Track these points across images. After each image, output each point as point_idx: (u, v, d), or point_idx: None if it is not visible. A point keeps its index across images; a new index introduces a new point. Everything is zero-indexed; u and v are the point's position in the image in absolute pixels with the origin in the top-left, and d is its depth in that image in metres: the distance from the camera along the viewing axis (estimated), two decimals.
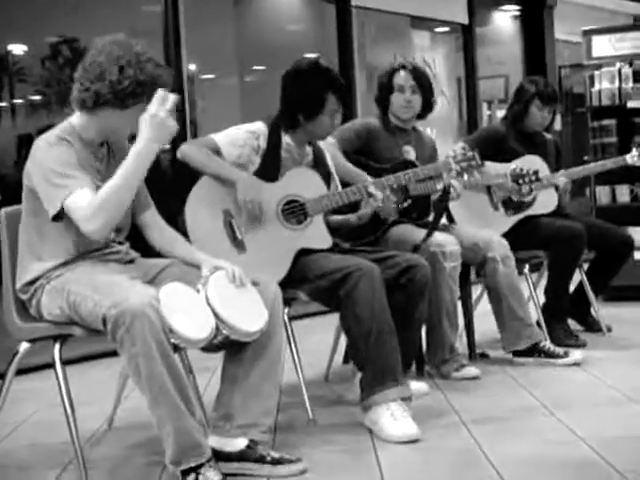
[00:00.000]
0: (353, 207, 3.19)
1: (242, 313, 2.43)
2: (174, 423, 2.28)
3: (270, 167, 3.05)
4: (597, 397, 3.18)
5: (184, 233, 2.85)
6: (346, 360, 3.66)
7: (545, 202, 4.15)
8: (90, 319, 2.35)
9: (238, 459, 2.48)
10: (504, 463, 2.46)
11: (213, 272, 2.49)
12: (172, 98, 2.34)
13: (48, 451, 2.87)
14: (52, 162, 2.40)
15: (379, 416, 2.79)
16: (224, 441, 2.49)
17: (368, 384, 2.83)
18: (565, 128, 7.85)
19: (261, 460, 2.48)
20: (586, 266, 4.37)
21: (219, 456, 2.43)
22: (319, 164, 3.22)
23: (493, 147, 4.04)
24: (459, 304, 3.70)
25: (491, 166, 3.88)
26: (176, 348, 2.35)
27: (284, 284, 2.79)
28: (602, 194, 5.66)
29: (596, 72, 5.68)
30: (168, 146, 5.33)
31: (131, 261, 2.63)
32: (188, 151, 3.02)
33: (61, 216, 2.41)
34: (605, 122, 5.62)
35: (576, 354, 3.70)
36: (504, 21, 8.08)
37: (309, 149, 3.21)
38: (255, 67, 7.64)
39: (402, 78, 3.68)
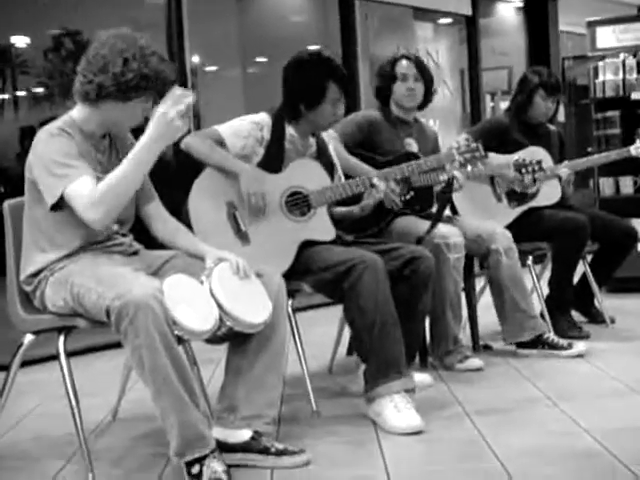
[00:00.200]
0: (356, 199, 3.19)
1: (246, 305, 2.43)
2: (178, 415, 2.28)
3: (274, 158, 3.05)
4: (600, 388, 3.18)
5: (188, 225, 2.85)
6: (350, 352, 3.67)
7: (549, 194, 4.15)
8: (94, 311, 2.36)
9: (242, 450, 2.49)
10: (508, 454, 2.46)
11: (217, 264, 2.49)
12: (188, 100, 2.32)
13: (53, 442, 2.88)
14: (53, 153, 2.40)
15: (383, 408, 2.79)
16: (228, 432, 2.50)
17: (372, 376, 2.84)
18: (569, 120, 7.83)
19: (265, 451, 2.48)
20: (590, 258, 4.36)
21: (223, 447, 2.44)
22: (322, 155, 3.21)
23: (497, 138, 4.04)
24: (463, 296, 3.70)
25: (494, 157, 3.87)
26: (180, 340, 2.35)
27: (288, 276, 2.80)
28: (606, 185, 5.66)
29: (600, 63, 5.67)
30: (174, 140, 5.33)
31: (135, 253, 2.63)
32: (192, 143, 3.02)
33: (60, 206, 2.41)
34: (609, 113, 5.61)
35: (580, 346, 3.70)
36: (508, 12, 8.06)
37: (312, 140, 3.21)
38: (258, 59, 7.63)
39: (405, 67, 3.69)
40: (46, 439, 2.94)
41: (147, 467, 2.55)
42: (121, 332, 2.27)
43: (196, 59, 6.50)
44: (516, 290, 3.69)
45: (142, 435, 2.88)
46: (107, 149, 2.58)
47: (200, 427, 2.31)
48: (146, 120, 2.38)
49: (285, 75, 3.12)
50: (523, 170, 3.86)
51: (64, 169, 2.37)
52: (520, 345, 3.74)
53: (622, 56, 5.61)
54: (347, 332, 3.42)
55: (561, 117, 6.07)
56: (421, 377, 3.21)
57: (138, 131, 2.48)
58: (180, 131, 2.35)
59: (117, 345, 2.44)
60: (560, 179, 4.17)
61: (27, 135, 6.46)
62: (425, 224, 3.46)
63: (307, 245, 3.00)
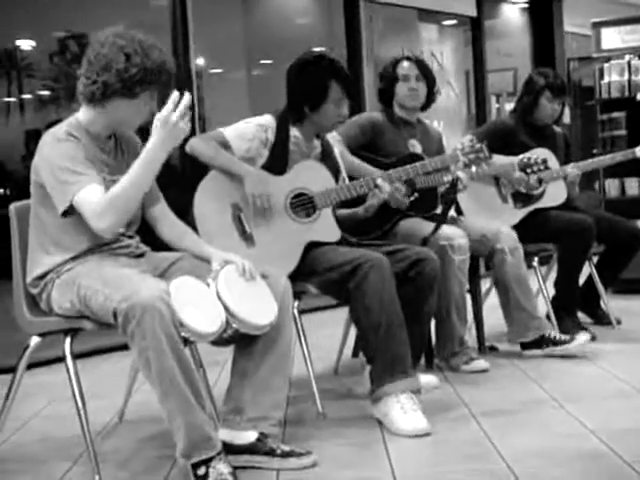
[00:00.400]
0: (360, 201, 3.19)
1: (252, 306, 2.43)
2: (184, 416, 2.28)
3: (278, 160, 3.05)
4: (606, 390, 3.18)
5: (193, 227, 2.85)
6: (355, 353, 3.67)
7: (554, 195, 4.15)
8: (101, 313, 2.36)
9: (248, 452, 2.49)
10: (514, 456, 2.46)
11: (223, 266, 2.49)
12: (186, 100, 2.34)
13: (59, 444, 2.88)
14: (60, 158, 2.40)
15: (389, 408, 2.79)
16: (234, 434, 2.50)
17: (378, 375, 2.84)
18: (574, 121, 7.82)
19: (271, 453, 2.48)
20: (595, 259, 4.36)
21: (229, 449, 2.44)
22: (327, 157, 3.22)
23: (502, 140, 4.03)
24: (468, 297, 3.70)
25: (499, 159, 3.87)
26: (186, 342, 2.35)
27: (293, 277, 2.79)
28: (611, 187, 5.65)
29: (605, 64, 5.67)
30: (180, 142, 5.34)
31: (141, 255, 2.63)
32: (197, 145, 3.02)
33: (70, 212, 2.42)
34: (614, 115, 5.61)
35: (581, 336, 3.69)
36: (513, 13, 8.05)
37: (317, 142, 3.21)
38: (263, 61, 7.64)
39: (406, 68, 3.70)
40: (52, 441, 2.94)
41: (153, 469, 2.55)
42: (128, 334, 2.27)
43: (201, 61, 6.51)
44: (520, 290, 3.69)
45: (148, 437, 2.89)
46: (113, 150, 2.58)
47: (206, 429, 2.32)
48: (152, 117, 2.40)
49: (288, 77, 3.13)
50: (528, 170, 3.86)
51: (73, 176, 2.38)
52: (525, 346, 3.74)
53: (627, 57, 5.60)
54: (353, 334, 3.43)
55: (566, 119, 6.07)
56: (427, 378, 3.21)
57: (143, 131, 2.49)
58: (183, 133, 2.36)
59: (123, 347, 2.45)
60: (566, 179, 4.17)
61: (33, 138, 6.47)
62: (430, 226, 3.46)
63: (312, 246, 3.01)
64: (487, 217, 3.93)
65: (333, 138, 3.37)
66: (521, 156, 3.91)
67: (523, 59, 7.80)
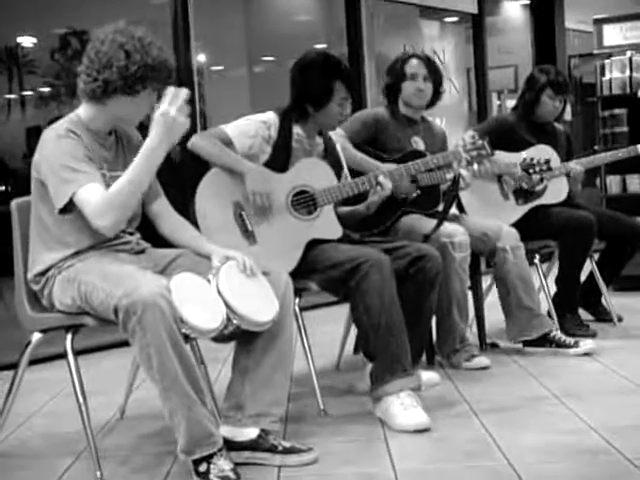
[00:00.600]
0: (362, 198, 3.19)
1: (253, 303, 2.43)
2: (186, 413, 2.28)
3: (280, 157, 3.05)
4: (608, 386, 3.18)
5: (194, 224, 2.85)
6: (356, 350, 3.67)
7: (556, 192, 4.14)
8: (101, 309, 2.37)
9: (249, 448, 2.49)
10: (515, 452, 2.46)
11: (224, 262, 2.49)
12: (183, 93, 2.34)
13: (61, 440, 2.89)
14: (61, 156, 2.41)
15: (390, 406, 2.79)
16: (235, 431, 2.51)
17: (379, 375, 2.84)
18: (575, 118, 7.81)
19: (272, 449, 2.49)
20: (597, 256, 4.35)
21: (231, 446, 2.44)
22: (330, 154, 3.22)
23: (503, 136, 4.03)
24: (469, 294, 3.70)
25: (501, 155, 3.87)
26: (187, 338, 2.36)
27: (295, 274, 2.80)
28: (613, 183, 5.65)
29: (607, 61, 5.66)
30: (179, 138, 5.33)
31: (142, 251, 2.63)
32: (199, 142, 3.02)
33: (69, 210, 2.42)
34: (616, 111, 5.60)
35: (587, 343, 3.69)
36: (514, 10, 8.04)
37: (320, 139, 3.21)
38: (264, 58, 7.64)
39: (415, 66, 3.69)
40: (54, 437, 2.95)
41: (154, 465, 2.56)
42: (129, 330, 2.28)
43: (202, 58, 6.51)
44: (523, 288, 3.68)
45: (150, 433, 2.89)
46: (114, 146, 2.59)
47: (208, 425, 2.32)
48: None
49: (292, 76, 3.13)
50: (531, 171, 3.86)
51: (73, 174, 2.38)
52: (527, 343, 3.74)
53: (629, 53, 5.59)
54: (354, 331, 3.43)
55: (568, 116, 6.05)
56: (428, 375, 3.21)
57: (143, 127, 2.49)
58: (183, 127, 2.36)
59: (124, 344, 2.45)
60: (569, 176, 4.16)
61: (34, 135, 6.47)
62: (431, 223, 3.46)
63: (314, 244, 3.01)
64: (489, 214, 3.93)
65: (336, 133, 3.37)
66: (524, 154, 3.90)
67: (524, 56, 7.79)
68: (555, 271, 4.20)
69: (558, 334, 3.73)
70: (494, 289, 3.89)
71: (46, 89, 7.13)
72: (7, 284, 2.89)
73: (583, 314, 4.25)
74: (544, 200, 4.12)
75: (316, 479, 2.38)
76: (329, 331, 3.99)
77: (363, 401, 3.02)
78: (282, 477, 2.41)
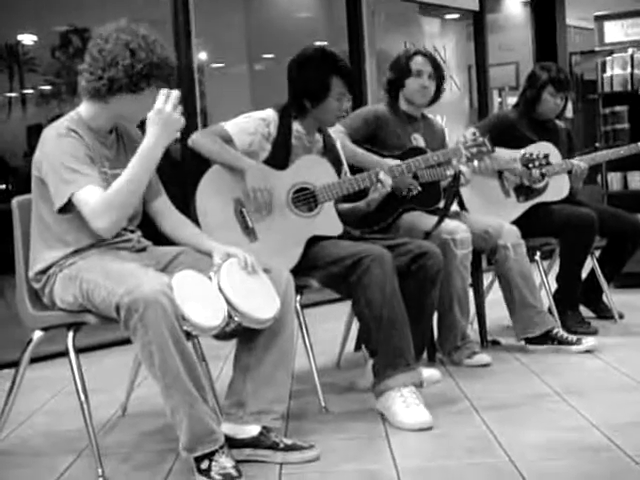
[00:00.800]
0: (363, 194, 3.19)
1: (254, 300, 2.43)
2: (187, 410, 2.29)
3: (280, 154, 3.05)
4: (609, 383, 3.18)
5: (195, 221, 2.85)
6: (357, 347, 3.67)
7: (557, 189, 4.14)
8: (103, 307, 2.37)
9: (251, 446, 2.49)
10: (516, 449, 2.47)
11: (225, 259, 2.49)
12: (175, 94, 2.37)
13: (62, 438, 2.89)
14: (62, 155, 2.41)
15: (391, 402, 2.79)
16: (237, 428, 2.51)
17: (380, 369, 2.84)
18: (576, 115, 7.80)
19: (274, 447, 2.49)
20: (598, 253, 4.35)
21: (232, 443, 2.44)
22: (329, 151, 3.22)
23: (504, 133, 4.03)
24: (470, 291, 3.70)
25: (502, 152, 3.87)
26: (188, 336, 2.36)
27: (296, 272, 2.80)
28: (614, 180, 5.64)
29: (608, 58, 5.65)
30: (178, 135, 5.34)
31: (143, 249, 2.63)
32: (199, 140, 3.02)
33: (68, 209, 2.42)
34: (617, 108, 5.59)
35: (589, 341, 3.69)
36: (515, 7, 8.03)
37: (319, 136, 3.21)
38: (265, 55, 7.64)
39: (421, 63, 3.68)
40: (55, 435, 2.95)
41: (156, 462, 2.56)
42: (130, 328, 2.28)
43: (203, 56, 6.51)
44: (525, 286, 3.68)
45: (151, 431, 2.89)
46: (114, 144, 2.59)
47: (209, 422, 2.32)
48: None
49: (289, 72, 3.13)
50: (530, 165, 3.86)
51: (72, 175, 2.38)
52: (529, 341, 3.74)
53: (630, 50, 5.59)
54: (355, 328, 3.43)
55: (569, 114, 6.05)
56: (429, 372, 3.21)
57: (143, 126, 2.49)
58: (178, 124, 2.38)
59: (126, 342, 2.45)
60: (570, 173, 4.16)
61: (34, 133, 6.47)
62: (432, 219, 3.46)
63: (314, 241, 3.01)
64: (490, 211, 3.93)
65: (336, 130, 3.37)
66: (523, 151, 3.90)
67: (525, 53, 7.78)
68: (556, 268, 4.19)
69: (560, 331, 3.73)
70: (495, 286, 3.89)
71: (47, 87, 7.12)
72: (8, 282, 2.89)
73: (584, 311, 4.25)
74: (545, 197, 4.11)
75: (318, 476, 2.39)
76: (330, 328, 3.99)
77: (364, 398, 3.02)
78: (284, 474, 2.41)
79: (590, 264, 4.27)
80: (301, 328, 3.01)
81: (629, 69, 5.56)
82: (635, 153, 4.36)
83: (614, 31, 5.69)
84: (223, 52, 7.32)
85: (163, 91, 2.37)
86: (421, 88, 3.66)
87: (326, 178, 3.09)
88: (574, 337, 3.71)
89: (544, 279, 4.09)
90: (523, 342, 3.76)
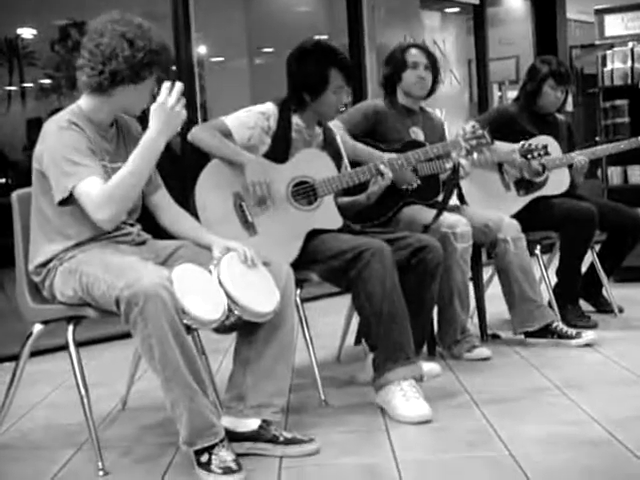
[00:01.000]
0: (363, 188, 3.19)
1: (254, 294, 2.43)
2: (187, 404, 2.29)
3: (280, 148, 3.05)
4: (609, 377, 3.18)
5: (194, 216, 2.85)
6: (357, 341, 3.67)
7: (557, 183, 4.14)
8: (103, 300, 2.37)
9: (251, 439, 2.50)
10: (516, 443, 2.47)
11: (225, 253, 2.49)
12: (179, 87, 2.37)
13: (63, 432, 2.89)
14: (63, 148, 2.40)
15: (392, 396, 2.79)
16: (237, 422, 2.51)
17: (380, 363, 2.84)
18: (576, 109, 7.80)
19: (274, 440, 2.49)
20: (598, 247, 4.35)
21: (232, 436, 2.44)
22: (329, 145, 3.21)
23: (504, 127, 4.02)
24: (470, 285, 3.70)
25: (501, 145, 3.86)
26: (188, 329, 2.36)
27: (295, 265, 2.79)
28: (614, 175, 5.64)
29: (608, 52, 5.64)
30: (179, 129, 5.34)
31: (143, 243, 2.63)
32: (199, 134, 3.02)
33: (68, 202, 2.42)
34: (617, 102, 5.58)
35: (589, 334, 3.69)
36: (515, 1, 8.01)
37: (319, 130, 3.21)
38: (265, 49, 7.63)
39: (416, 55, 3.68)
40: (56, 428, 2.95)
41: (156, 456, 2.56)
42: (130, 322, 2.28)
43: (203, 50, 6.50)
44: (525, 279, 3.68)
45: (151, 424, 2.89)
46: (115, 137, 2.58)
47: (209, 416, 2.32)
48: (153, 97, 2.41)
49: (288, 65, 3.13)
50: (529, 156, 3.86)
51: (74, 167, 2.38)
52: (529, 334, 3.74)
53: (631, 44, 5.58)
54: (355, 322, 3.43)
55: (569, 107, 6.04)
56: (429, 366, 3.22)
57: (142, 119, 2.49)
58: (181, 118, 2.38)
59: (126, 335, 2.45)
60: (571, 167, 4.16)
61: (34, 127, 6.47)
62: (431, 213, 3.46)
63: (314, 234, 3.01)
64: (490, 205, 3.93)
65: (335, 125, 3.37)
66: (521, 142, 3.90)
67: (525, 47, 7.77)
68: (556, 262, 4.19)
69: (560, 325, 3.73)
70: (495, 280, 3.88)
71: (46, 81, 7.12)
72: (8, 275, 2.89)
73: (584, 305, 4.25)
74: (545, 191, 4.11)
75: (317, 469, 2.39)
76: (330, 322, 3.99)
77: (364, 392, 3.02)
78: (283, 467, 2.41)
79: (590, 258, 4.27)
80: (301, 322, 3.01)
81: (629, 63, 5.55)
82: (635, 147, 4.35)
83: (614, 25, 5.68)
84: (223, 46, 7.32)
85: (166, 84, 2.37)
86: (418, 79, 3.66)
87: (326, 172, 3.08)
88: (574, 331, 3.71)
89: (544, 273, 4.09)
90: (522, 336, 3.76)
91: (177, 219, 2.66)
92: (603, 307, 4.38)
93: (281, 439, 2.50)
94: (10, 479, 2.52)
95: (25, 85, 7.30)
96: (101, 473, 2.42)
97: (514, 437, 2.52)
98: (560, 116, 4.37)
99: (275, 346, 2.53)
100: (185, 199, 2.94)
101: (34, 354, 2.72)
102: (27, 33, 7.01)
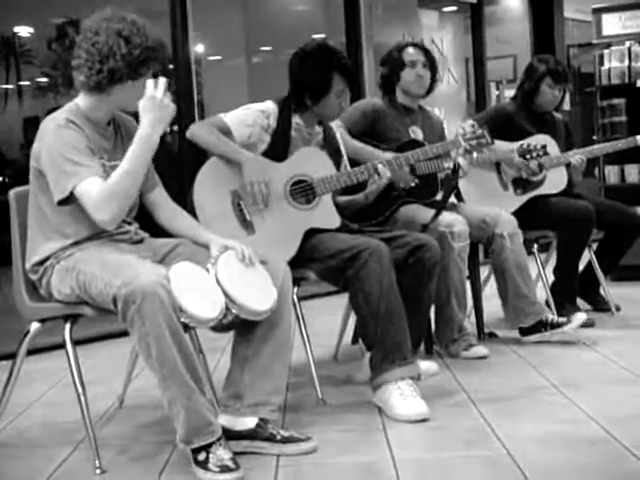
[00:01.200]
0: (361, 187, 3.19)
1: (252, 292, 2.43)
2: (185, 402, 2.29)
3: (279, 146, 3.05)
4: (606, 376, 3.18)
5: (192, 214, 2.85)
6: (355, 340, 3.67)
7: (555, 181, 4.14)
8: (100, 299, 2.36)
9: (248, 438, 2.49)
10: (513, 441, 2.47)
11: (222, 251, 2.49)
12: (162, 80, 2.38)
13: (60, 430, 2.89)
14: (62, 147, 2.40)
15: (389, 395, 2.79)
16: (234, 420, 2.51)
17: (377, 363, 2.84)
18: (574, 108, 7.80)
19: (271, 439, 2.49)
20: (595, 246, 4.36)
21: (229, 435, 2.44)
22: (329, 143, 3.21)
23: (502, 126, 4.03)
24: (467, 284, 3.70)
25: (499, 144, 3.86)
26: (186, 327, 2.36)
27: (293, 264, 2.79)
28: (611, 174, 5.64)
29: (605, 51, 5.64)
30: (176, 127, 5.34)
31: (140, 241, 2.63)
32: (197, 131, 3.01)
33: (67, 201, 2.42)
34: (614, 101, 5.58)
35: (579, 316, 3.69)
36: (513, 0, 8.01)
37: (319, 129, 3.21)
38: (262, 48, 7.63)
39: (413, 54, 3.68)
40: (53, 426, 2.95)
41: (153, 454, 2.56)
42: (128, 320, 2.27)
43: (200, 48, 6.50)
44: (519, 275, 3.69)
45: (148, 423, 2.89)
46: (113, 135, 2.58)
47: (206, 414, 2.32)
48: None
49: (290, 67, 3.12)
50: (528, 156, 3.87)
51: (73, 166, 2.38)
52: (523, 331, 3.74)
53: (628, 43, 5.58)
54: (352, 321, 3.43)
55: (567, 106, 6.04)
56: (427, 365, 3.22)
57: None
58: (171, 109, 2.38)
59: (123, 334, 2.45)
60: (568, 166, 4.16)
61: (31, 125, 6.46)
62: (430, 212, 3.46)
63: (312, 233, 3.00)
64: (487, 204, 3.92)
65: (334, 125, 3.36)
66: (520, 142, 3.90)
67: (523, 46, 7.77)
68: (553, 261, 4.20)
69: (549, 316, 3.72)
70: (492, 279, 3.88)
71: (43, 79, 7.11)
72: (5, 274, 2.89)
73: (581, 304, 4.26)
74: (543, 190, 4.12)
75: (314, 468, 2.39)
76: (327, 321, 3.99)
77: (361, 391, 3.02)
78: (281, 466, 2.41)
79: (587, 257, 4.28)
80: (298, 320, 3.01)
81: (627, 62, 5.54)
82: (633, 146, 4.36)
83: (612, 23, 5.67)
84: (221, 45, 7.31)
85: (150, 81, 2.38)
86: (417, 78, 3.66)
87: (324, 170, 3.08)
88: (564, 318, 3.72)
89: (541, 271, 4.09)
90: (517, 332, 3.76)
91: (174, 217, 2.66)
92: (600, 306, 4.39)
93: (278, 437, 2.49)
94: (7, 477, 2.52)
95: (22, 83, 7.29)
96: (98, 471, 2.42)
97: (511, 436, 2.52)
98: (558, 115, 4.38)
99: (272, 344, 2.52)
100: (183, 197, 2.93)
101: (31, 352, 2.72)
102: (24, 31, 7.00)
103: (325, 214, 3.07)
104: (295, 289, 2.91)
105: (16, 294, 2.62)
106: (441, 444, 2.54)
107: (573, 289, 4.16)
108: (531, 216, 4.00)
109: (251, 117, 3.03)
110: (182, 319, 2.29)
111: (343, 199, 3.23)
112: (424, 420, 2.71)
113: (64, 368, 2.57)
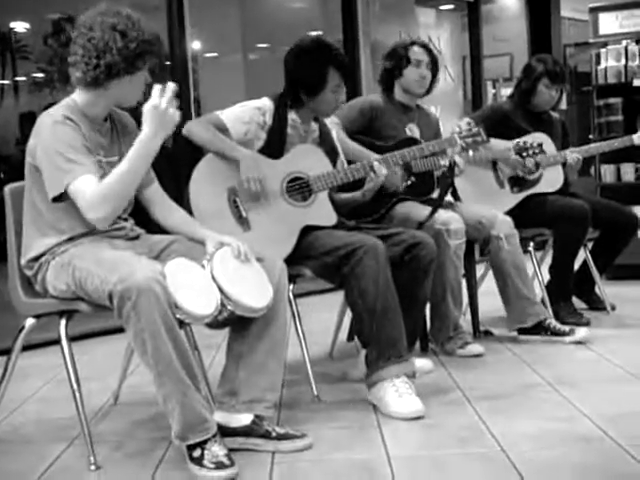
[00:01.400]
0: (358, 184, 3.19)
1: (247, 289, 2.43)
2: (180, 398, 2.28)
3: (275, 144, 3.04)
4: (601, 374, 3.19)
5: (188, 211, 2.84)
6: (350, 338, 3.67)
7: (551, 180, 4.14)
8: (96, 295, 2.36)
9: (243, 434, 2.50)
10: (508, 439, 2.47)
11: (218, 248, 2.49)
12: (170, 87, 2.35)
13: (54, 426, 2.88)
14: (58, 143, 2.39)
15: (384, 393, 2.80)
16: (229, 417, 2.51)
17: (373, 360, 2.84)
18: (570, 107, 7.81)
19: (266, 435, 2.49)
20: (591, 244, 4.36)
21: (225, 432, 2.45)
22: (325, 141, 3.21)
23: (498, 124, 4.03)
24: (463, 282, 3.70)
25: (496, 142, 3.86)
26: (181, 324, 2.35)
27: (289, 261, 2.79)
28: (607, 173, 5.64)
29: (602, 50, 5.64)
30: (173, 129, 5.32)
31: (136, 237, 2.63)
32: (193, 128, 3.01)
33: (62, 198, 2.41)
34: (611, 100, 5.59)
35: (581, 332, 3.70)
36: None
37: (315, 125, 3.20)
38: (259, 45, 7.62)
39: (419, 53, 3.67)
40: (47, 423, 2.94)
41: (148, 450, 2.56)
42: (123, 316, 2.27)
43: (197, 45, 6.49)
44: (518, 276, 3.69)
45: (143, 419, 2.89)
46: (109, 132, 2.58)
47: (202, 411, 2.32)
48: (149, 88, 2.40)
49: (286, 63, 3.12)
50: (524, 154, 3.87)
51: (69, 164, 2.37)
52: (522, 331, 3.75)
53: (624, 42, 5.58)
54: (348, 318, 3.43)
55: (563, 105, 6.04)
56: (422, 363, 3.22)
57: (135, 111, 2.49)
58: (175, 118, 2.36)
59: (118, 330, 2.44)
60: (564, 165, 4.17)
61: (27, 121, 6.45)
62: (426, 210, 3.46)
63: (308, 230, 3.00)
64: (484, 202, 3.93)
65: (331, 122, 3.36)
66: (516, 140, 3.91)
67: (519, 44, 7.78)
68: (549, 259, 4.20)
69: (553, 322, 3.74)
70: (488, 277, 3.89)
71: (39, 75, 7.10)
72: (0, 270, 2.88)
73: (576, 302, 4.26)
74: (539, 189, 4.12)
75: (310, 465, 2.39)
76: (323, 318, 3.99)
77: (356, 388, 3.02)
78: (276, 463, 2.41)
79: (583, 255, 4.28)
80: (294, 317, 3.01)
81: (623, 61, 5.55)
82: (629, 145, 4.36)
83: (609, 23, 5.67)
84: (217, 41, 7.30)
85: (157, 86, 2.36)
86: (420, 78, 3.65)
87: (320, 168, 3.08)
88: (566, 328, 3.72)
89: (537, 270, 4.10)
90: (515, 333, 3.77)
91: (170, 213, 2.65)
92: (596, 304, 4.39)
93: (273, 434, 2.50)
94: (1, 473, 2.51)
95: (18, 79, 7.28)
96: (93, 467, 2.42)
97: (506, 433, 2.53)
98: (554, 114, 4.38)
99: (267, 341, 2.52)
100: (179, 194, 2.93)
101: (26, 348, 2.72)
102: (20, 27, 6.99)
103: (321, 211, 3.07)
104: (291, 286, 2.91)
105: (11, 290, 2.61)
106: (436, 441, 2.54)
107: (568, 288, 4.16)
108: (527, 214, 4.00)
109: (247, 114, 3.03)
110: (177, 315, 2.29)
111: (341, 196, 3.23)
112: (419, 418, 2.71)
113: (59, 364, 2.57)
